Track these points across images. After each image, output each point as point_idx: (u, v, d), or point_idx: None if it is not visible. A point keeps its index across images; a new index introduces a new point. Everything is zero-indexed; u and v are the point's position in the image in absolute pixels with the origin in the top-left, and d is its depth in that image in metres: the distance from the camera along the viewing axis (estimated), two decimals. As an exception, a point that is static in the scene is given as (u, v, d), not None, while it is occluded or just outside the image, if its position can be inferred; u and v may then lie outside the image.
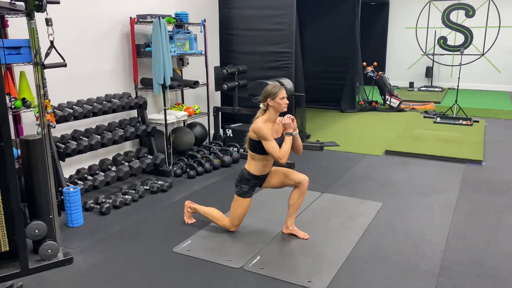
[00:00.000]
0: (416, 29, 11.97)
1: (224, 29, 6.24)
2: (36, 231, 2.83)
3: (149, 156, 4.56)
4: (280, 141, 3.10)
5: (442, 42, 11.73)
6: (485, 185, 4.38)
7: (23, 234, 2.75)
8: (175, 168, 4.72)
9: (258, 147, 3.09)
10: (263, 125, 3.03)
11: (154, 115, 5.08)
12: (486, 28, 11.20)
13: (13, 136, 3.61)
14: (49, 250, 2.88)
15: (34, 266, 2.82)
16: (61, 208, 3.59)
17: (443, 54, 11.78)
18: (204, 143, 5.72)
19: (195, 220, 3.56)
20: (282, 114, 3.16)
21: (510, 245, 3.16)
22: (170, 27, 5.02)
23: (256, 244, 3.16)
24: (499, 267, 2.86)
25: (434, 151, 5.44)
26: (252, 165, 3.17)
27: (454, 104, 7.71)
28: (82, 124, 4.32)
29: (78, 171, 4.17)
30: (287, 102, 3.09)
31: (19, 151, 3.35)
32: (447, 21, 11.57)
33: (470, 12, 11.28)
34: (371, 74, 8.74)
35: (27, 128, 3.84)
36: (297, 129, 3.16)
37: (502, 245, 3.15)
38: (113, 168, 4.24)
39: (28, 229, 2.80)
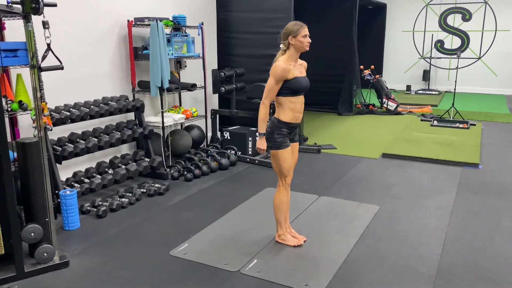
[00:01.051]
0: (413, 33, 12.02)
1: (221, 32, 6.25)
2: (32, 234, 2.81)
3: (146, 159, 4.56)
4: (305, 82, 2.96)
5: (439, 45, 11.78)
6: (482, 188, 4.39)
7: (19, 237, 2.74)
8: (172, 171, 4.71)
9: (284, 88, 2.90)
10: (284, 64, 2.85)
11: (151, 117, 5.07)
12: (482, 32, 11.26)
13: (9, 139, 3.60)
14: (45, 254, 2.86)
15: (29, 270, 2.80)
16: (58, 211, 3.58)
17: (440, 58, 11.83)
18: (202, 145, 5.71)
19: (303, 237, 3.28)
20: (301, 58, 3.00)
21: (507, 247, 3.16)
22: (168, 30, 5.02)
23: (253, 248, 3.15)
24: (496, 269, 2.86)
25: (431, 154, 5.45)
26: (281, 113, 2.95)
27: (451, 107, 7.74)
28: (79, 127, 4.31)
29: (75, 174, 4.15)
30: (310, 40, 2.91)
31: (15, 154, 3.33)
32: (444, 25, 11.62)
33: (466, 16, 11.34)
34: (368, 77, 8.76)
35: (24, 131, 3.83)
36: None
37: (499, 247, 3.16)
38: (110, 171, 4.23)
39: (24, 232, 2.78)
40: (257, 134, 3.02)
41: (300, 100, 2.97)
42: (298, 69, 2.95)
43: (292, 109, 2.94)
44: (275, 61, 2.94)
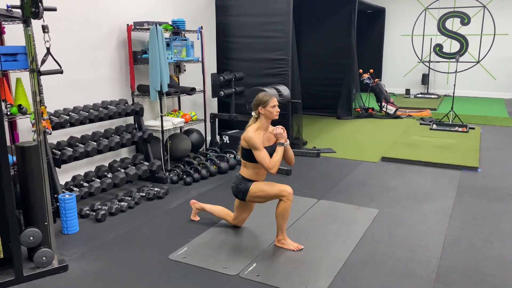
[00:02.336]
0: (412, 37, 12.06)
1: (221, 36, 6.27)
2: (31, 238, 2.81)
3: (146, 163, 4.56)
4: (271, 150, 3.11)
5: (438, 49, 11.81)
6: (481, 192, 4.39)
7: (18, 241, 2.73)
8: (171, 175, 4.71)
9: (249, 155, 3.10)
10: (254, 134, 3.04)
11: (150, 121, 5.08)
12: (481, 36, 11.30)
13: (8, 143, 3.61)
14: (44, 258, 2.86)
15: (28, 274, 2.80)
16: (57, 215, 3.58)
17: (439, 61, 11.86)
18: (201, 149, 5.72)
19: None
20: (274, 123, 3.17)
21: (506, 251, 3.16)
22: (167, 34, 5.04)
23: (253, 251, 3.15)
24: (495, 273, 2.86)
25: (430, 158, 5.45)
26: (245, 172, 3.20)
27: (450, 111, 7.75)
28: (78, 131, 4.31)
29: (74, 178, 4.15)
30: (278, 110, 3.12)
31: (14, 158, 3.34)
32: (442, 29, 11.66)
33: (465, 20, 11.38)
34: (367, 81, 8.78)
35: (23, 135, 3.83)
36: (288, 140, 3.17)
37: (498, 251, 3.16)
38: (109, 175, 4.23)
39: (22, 236, 2.78)
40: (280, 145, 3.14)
41: None
42: (267, 138, 3.14)
43: (256, 173, 3.18)
44: (247, 127, 3.14)
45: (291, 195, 3.10)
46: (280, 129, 3.10)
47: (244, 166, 3.20)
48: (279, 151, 3.08)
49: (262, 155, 3.02)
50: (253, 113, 3.14)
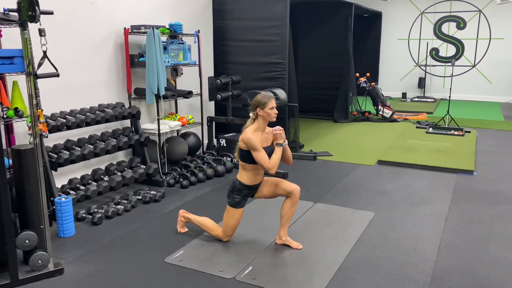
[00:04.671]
0: (408, 41, 12.12)
1: (218, 40, 6.28)
2: (27, 241, 2.81)
3: (142, 166, 4.56)
4: (269, 150, 3.12)
5: (434, 53, 11.87)
6: (476, 195, 4.41)
7: (13, 245, 2.73)
8: (168, 178, 4.71)
9: (248, 157, 3.10)
10: (252, 135, 3.05)
11: (147, 124, 5.08)
12: (477, 40, 11.36)
13: (5, 146, 3.60)
14: (40, 261, 2.85)
15: (24, 277, 2.79)
16: (53, 218, 3.57)
17: (435, 65, 11.92)
18: (198, 153, 5.72)
19: (187, 230, 3.56)
20: (272, 125, 3.18)
21: (501, 254, 3.17)
22: (164, 38, 5.05)
23: (249, 254, 3.15)
24: (490, 276, 2.87)
25: (426, 161, 5.47)
26: (244, 175, 3.18)
27: (446, 114, 7.79)
28: (75, 134, 4.31)
29: (70, 181, 4.15)
30: (276, 112, 3.12)
31: (10, 161, 3.33)
32: (438, 33, 11.72)
33: (461, 24, 11.44)
34: (364, 84, 8.81)
35: (20, 138, 3.83)
36: (287, 140, 3.18)
37: (493, 254, 3.17)
38: (106, 178, 4.23)
39: (18, 239, 2.78)
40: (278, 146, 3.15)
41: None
42: (265, 139, 3.15)
43: (255, 174, 3.18)
44: (244, 128, 3.15)
45: (225, 238, 3.28)
46: (279, 130, 3.11)
47: (243, 168, 3.19)
48: (278, 151, 3.10)
49: (261, 155, 3.03)
50: (251, 114, 3.15)
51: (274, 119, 3.12)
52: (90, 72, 4.53)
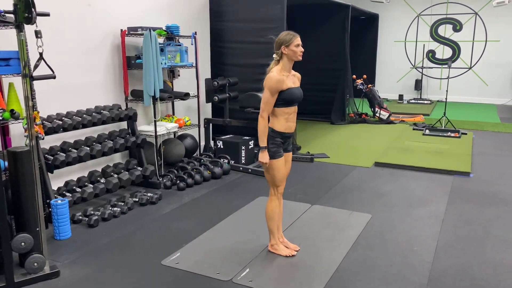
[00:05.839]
0: (405, 43, 12.15)
1: (215, 42, 6.28)
2: (23, 244, 2.79)
3: (139, 168, 4.54)
4: (299, 91, 2.97)
5: (431, 55, 11.91)
6: (473, 197, 4.42)
7: (9, 247, 2.71)
8: (164, 180, 4.70)
9: (278, 99, 2.91)
10: (278, 75, 2.85)
11: (144, 126, 5.07)
12: (473, 42, 11.41)
13: (0, 148, 3.59)
14: (36, 263, 2.84)
15: (20, 280, 2.77)
16: (49, 220, 3.56)
17: (432, 67, 11.95)
18: (195, 154, 5.71)
19: (295, 245, 3.28)
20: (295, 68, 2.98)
21: (498, 256, 3.18)
22: (161, 40, 5.04)
23: (246, 257, 3.14)
24: (487, 277, 2.87)
25: (423, 163, 5.48)
26: (275, 122, 2.95)
27: (442, 116, 7.81)
28: (71, 136, 4.29)
29: (66, 183, 4.13)
30: (302, 50, 2.91)
31: (6, 163, 3.32)
32: (435, 35, 11.77)
33: (457, 26, 11.49)
34: (360, 86, 8.83)
35: (16, 140, 3.81)
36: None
37: (490, 256, 3.18)
38: (102, 180, 4.22)
39: (14, 242, 2.76)
40: (256, 150, 3.01)
41: (293, 110, 2.99)
42: (292, 80, 2.95)
43: (286, 119, 2.96)
44: (269, 71, 2.94)
45: (279, 195, 3.10)
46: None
47: (273, 115, 2.95)
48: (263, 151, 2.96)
49: (267, 97, 2.86)
50: (274, 55, 2.95)
51: (300, 58, 2.90)
52: (86, 73, 4.52)
